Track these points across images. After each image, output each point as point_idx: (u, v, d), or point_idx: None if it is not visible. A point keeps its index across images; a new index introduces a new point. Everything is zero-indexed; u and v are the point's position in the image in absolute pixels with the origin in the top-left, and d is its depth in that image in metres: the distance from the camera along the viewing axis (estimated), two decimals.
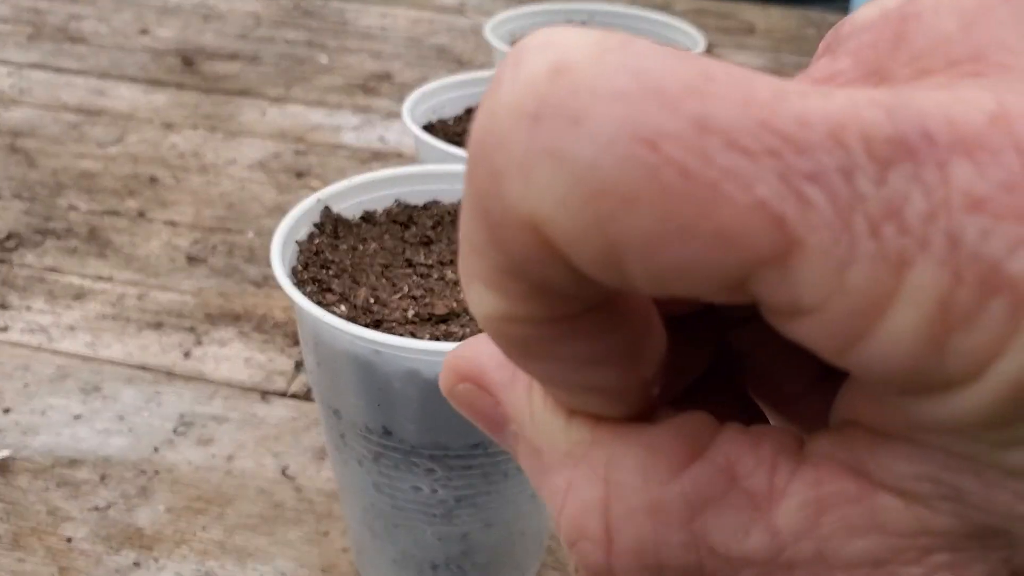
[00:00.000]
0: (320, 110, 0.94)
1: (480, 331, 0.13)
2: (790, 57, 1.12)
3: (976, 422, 0.10)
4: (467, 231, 0.12)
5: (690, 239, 0.10)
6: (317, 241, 0.41)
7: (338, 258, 0.40)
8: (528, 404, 0.15)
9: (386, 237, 0.43)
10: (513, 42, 0.71)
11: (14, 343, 0.60)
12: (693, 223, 0.09)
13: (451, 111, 0.57)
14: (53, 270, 0.68)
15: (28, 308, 0.64)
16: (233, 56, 1.07)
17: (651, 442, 0.13)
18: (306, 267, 0.39)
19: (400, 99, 0.98)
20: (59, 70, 1.01)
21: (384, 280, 0.40)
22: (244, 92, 0.98)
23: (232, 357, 0.59)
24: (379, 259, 0.41)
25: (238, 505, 0.49)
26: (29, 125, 0.89)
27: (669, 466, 0.13)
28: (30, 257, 0.69)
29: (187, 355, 0.59)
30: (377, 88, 1.01)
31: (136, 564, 0.46)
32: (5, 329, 0.61)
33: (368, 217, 0.44)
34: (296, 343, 0.61)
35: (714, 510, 0.13)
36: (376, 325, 0.36)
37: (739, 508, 0.12)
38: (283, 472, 0.51)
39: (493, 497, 0.39)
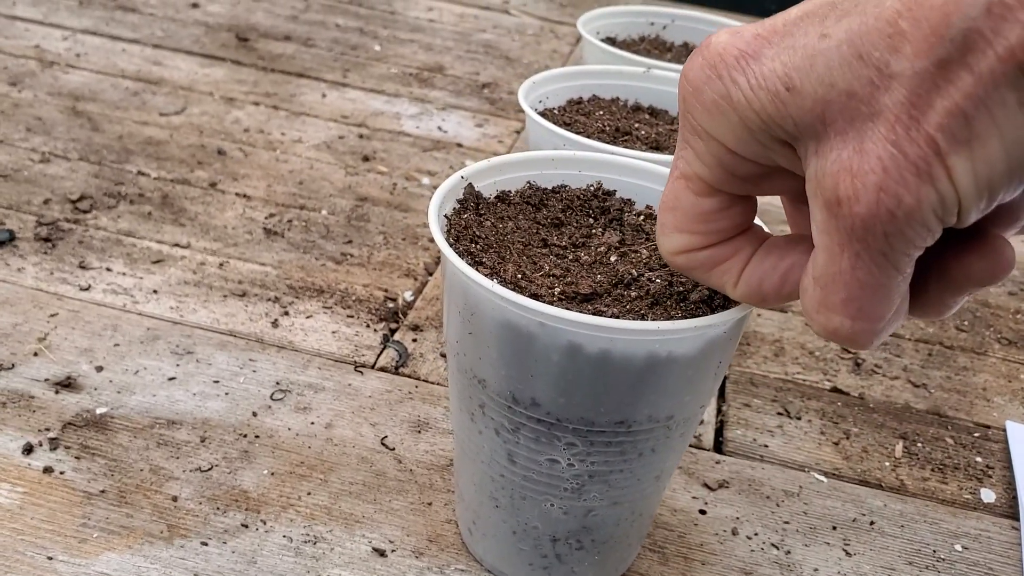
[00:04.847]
0: (379, 97, 0.95)
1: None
2: None
3: None
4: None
5: None
6: (465, 216, 0.42)
7: (483, 234, 0.41)
8: None
9: (520, 217, 0.44)
10: (601, 36, 0.73)
11: (99, 303, 0.60)
12: None
13: (555, 102, 0.58)
14: (129, 234, 0.68)
15: (108, 270, 0.64)
16: (287, 37, 1.07)
17: None
18: (458, 240, 0.40)
19: (455, 92, 0.99)
20: (113, 38, 1.01)
21: (525, 258, 0.41)
22: (302, 73, 0.98)
23: (319, 329, 0.60)
24: (517, 237, 0.42)
25: (341, 472, 0.50)
26: (89, 90, 0.89)
27: None
28: (104, 220, 0.69)
29: (275, 324, 0.60)
30: (431, 80, 1.02)
31: (244, 525, 0.46)
32: (88, 288, 0.62)
33: (503, 197, 0.45)
34: (382, 319, 0.61)
35: None
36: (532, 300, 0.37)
37: None
38: (382, 442, 0.52)
39: (624, 475, 0.40)
